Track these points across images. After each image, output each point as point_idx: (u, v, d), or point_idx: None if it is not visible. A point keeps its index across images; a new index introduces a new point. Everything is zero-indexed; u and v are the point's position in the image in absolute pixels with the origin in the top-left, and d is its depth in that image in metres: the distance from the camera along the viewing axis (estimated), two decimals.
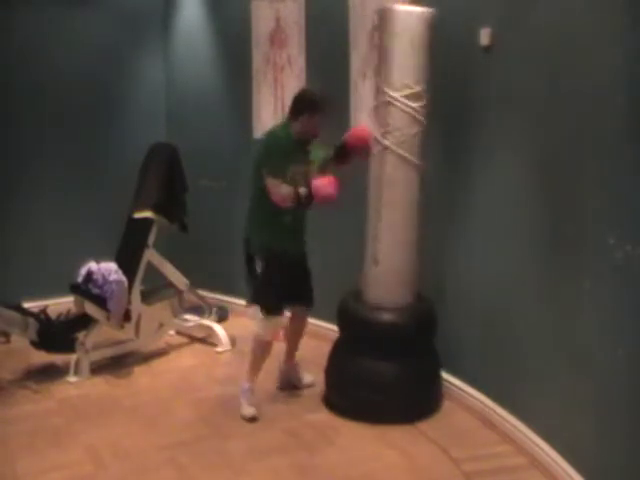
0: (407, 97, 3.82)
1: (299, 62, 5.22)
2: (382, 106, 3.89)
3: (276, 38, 5.37)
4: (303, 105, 3.85)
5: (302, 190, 3.74)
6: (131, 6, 6.03)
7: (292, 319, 4.33)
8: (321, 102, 3.87)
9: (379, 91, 3.91)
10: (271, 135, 3.95)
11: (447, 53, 4.05)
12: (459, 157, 4.10)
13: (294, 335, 4.37)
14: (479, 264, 3.98)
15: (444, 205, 4.22)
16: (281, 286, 3.94)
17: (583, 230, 3.11)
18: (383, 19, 3.88)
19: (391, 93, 3.83)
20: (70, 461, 3.59)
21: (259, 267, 3.95)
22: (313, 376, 4.39)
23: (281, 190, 3.76)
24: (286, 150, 3.84)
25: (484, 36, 3.76)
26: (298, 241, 4.07)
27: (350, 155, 3.95)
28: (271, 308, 3.96)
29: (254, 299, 4.02)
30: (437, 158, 4.22)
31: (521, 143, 3.60)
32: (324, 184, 3.74)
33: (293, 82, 5.26)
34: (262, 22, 5.43)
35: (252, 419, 3.99)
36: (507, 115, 3.70)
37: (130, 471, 3.51)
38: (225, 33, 5.76)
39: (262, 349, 4.04)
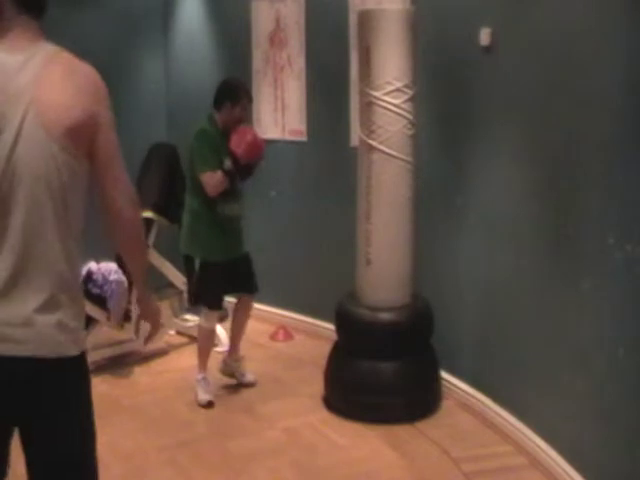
0: (388, 94, 3.81)
1: (299, 62, 5.22)
2: (365, 107, 3.89)
3: (276, 38, 5.37)
4: (223, 95, 4.03)
5: (226, 163, 3.92)
6: (131, 6, 6.02)
7: (237, 307, 4.39)
8: (240, 91, 4.04)
9: (361, 93, 3.92)
10: (199, 133, 4.06)
11: (447, 53, 4.06)
12: (459, 157, 4.10)
13: (238, 322, 4.40)
14: (479, 264, 3.97)
15: (444, 204, 4.22)
16: (219, 285, 4.11)
17: (583, 230, 3.11)
18: (360, 21, 3.90)
19: (372, 92, 3.83)
20: None
21: (197, 265, 4.08)
22: (255, 376, 4.43)
23: (213, 179, 3.91)
24: (215, 142, 3.99)
25: (484, 36, 3.76)
26: (235, 247, 4.19)
27: (248, 165, 4.04)
28: (212, 304, 4.14)
29: (195, 300, 4.21)
30: (437, 158, 4.23)
31: (521, 143, 3.60)
32: (239, 136, 3.92)
33: (293, 82, 5.27)
34: (262, 22, 5.43)
35: (209, 404, 4.12)
36: (507, 115, 3.70)
37: (130, 471, 3.51)
38: (225, 33, 5.76)
39: (207, 338, 4.25)
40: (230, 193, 4.02)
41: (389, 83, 3.80)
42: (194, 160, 3.99)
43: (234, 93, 4.02)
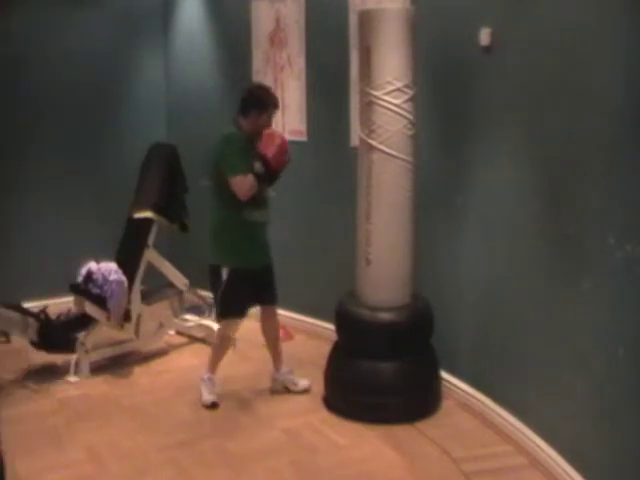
0: (388, 94, 3.81)
1: (299, 62, 5.22)
2: (365, 106, 3.89)
3: (276, 38, 5.37)
4: (252, 103, 3.99)
5: (256, 166, 3.88)
6: (131, 6, 6.02)
7: (262, 318, 4.36)
8: (269, 99, 4.02)
9: (362, 92, 3.92)
10: (227, 137, 4.03)
11: (447, 53, 4.06)
12: (459, 157, 4.10)
13: (270, 334, 4.37)
14: (479, 264, 3.97)
15: (444, 204, 4.22)
16: (245, 295, 4.08)
17: (583, 230, 3.11)
18: (360, 20, 3.90)
19: (372, 92, 3.83)
20: (70, 461, 3.59)
21: (224, 275, 4.04)
22: (309, 380, 4.36)
23: (244, 182, 3.87)
24: (242, 147, 3.96)
25: (484, 36, 3.76)
26: (262, 255, 4.16)
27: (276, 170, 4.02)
28: (238, 313, 4.11)
29: (222, 310, 4.14)
30: (437, 158, 4.23)
31: (521, 143, 3.60)
32: (268, 141, 3.91)
33: (293, 82, 5.27)
34: (262, 22, 5.43)
35: (213, 405, 4.11)
36: (507, 115, 3.70)
37: (130, 471, 3.52)
38: (225, 33, 5.76)
39: (224, 343, 4.23)
40: (257, 198, 3.97)
41: (389, 83, 3.80)
42: (223, 165, 3.93)
43: (262, 101, 3.99)
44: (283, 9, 5.27)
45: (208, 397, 4.14)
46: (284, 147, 3.97)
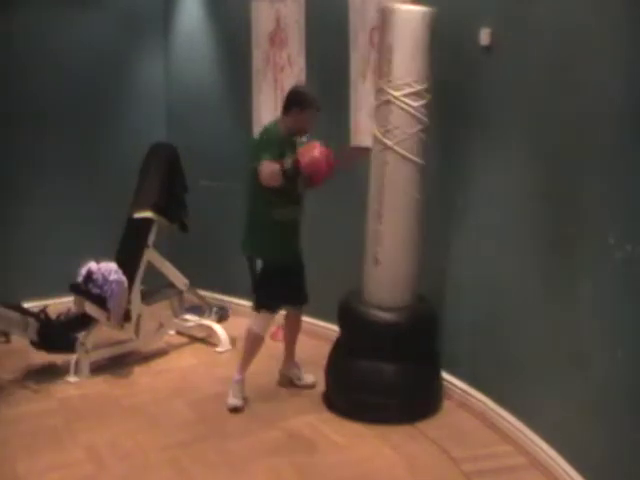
0: (407, 96, 3.82)
1: (299, 62, 5.22)
2: (383, 105, 3.89)
3: (276, 38, 5.37)
4: (293, 100, 4.01)
5: (287, 162, 3.81)
6: (131, 6, 6.02)
7: (287, 318, 4.41)
8: (310, 99, 4.02)
9: (380, 90, 3.91)
10: (263, 130, 4.11)
11: (447, 53, 4.06)
12: (459, 157, 4.10)
13: (291, 334, 4.43)
14: (479, 264, 3.97)
15: (444, 205, 4.22)
16: (278, 287, 4.08)
17: (583, 230, 3.11)
18: (385, 18, 3.87)
19: (392, 92, 3.83)
20: (70, 461, 3.59)
21: (259, 266, 4.10)
22: (314, 377, 4.39)
23: (269, 167, 3.81)
24: (276, 141, 3.96)
25: (484, 36, 3.76)
26: (294, 247, 4.21)
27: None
28: (267, 306, 4.11)
29: (255, 302, 4.15)
30: (437, 158, 4.22)
31: (521, 143, 3.60)
32: (308, 148, 3.83)
33: (293, 82, 5.26)
34: (262, 22, 5.42)
35: (235, 409, 4.08)
36: (507, 115, 3.70)
37: (130, 471, 3.52)
38: (225, 33, 5.76)
39: (254, 343, 4.17)
40: (285, 194, 3.94)
41: (409, 85, 3.80)
42: (253, 153, 3.94)
43: (302, 99, 4.00)
44: (283, 9, 5.27)
45: (233, 401, 4.10)
46: (320, 162, 3.79)
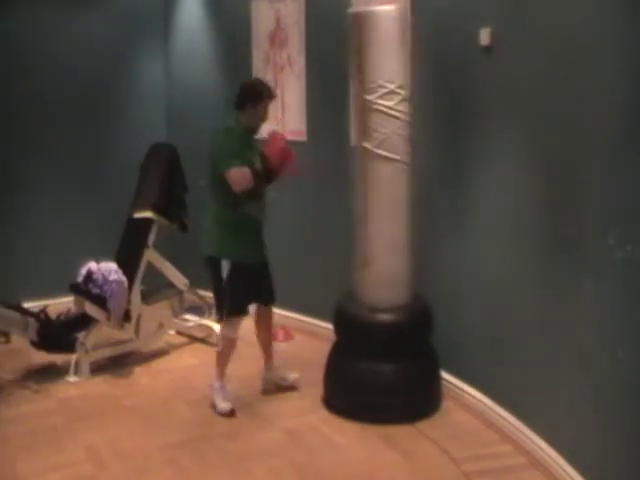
0: (381, 97, 3.81)
1: (299, 62, 5.22)
2: (359, 109, 3.89)
3: (276, 38, 5.37)
4: (245, 96, 4.01)
5: (256, 161, 3.88)
6: (131, 6, 6.02)
7: (258, 320, 4.35)
8: (260, 90, 4.04)
9: (355, 94, 3.92)
10: (225, 131, 4.08)
11: (447, 53, 4.06)
12: (459, 157, 4.10)
13: (264, 335, 4.38)
14: (479, 264, 3.97)
15: (444, 205, 4.22)
16: (246, 289, 4.05)
17: (583, 230, 3.11)
18: (355, 22, 3.88)
19: (365, 96, 3.83)
20: (70, 461, 3.59)
21: (224, 271, 4.02)
22: (296, 374, 4.38)
23: (240, 172, 3.86)
24: (240, 141, 3.98)
25: (484, 36, 3.76)
26: (262, 245, 4.17)
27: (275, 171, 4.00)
28: (236, 312, 4.07)
29: (222, 308, 4.10)
30: (436, 158, 4.22)
31: (521, 143, 3.60)
32: (272, 141, 3.91)
33: (293, 82, 5.27)
34: (262, 22, 5.42)
35: (231, 413, 4.05)
36: (507, 115, 3.70)
37: (130, 471, 3.52)
38: (225, 33, 5.76)
39: (229, 347, 4.14)
40: (254, 194, 3.96)
41: (382, 86, 3.80)
42: (218, 157, 3.96)
43: (256, 93, 4.01)
44: (283, 9, 5.27)
45: (223, 405, 4.07)
46: (289, 152, 3.95)
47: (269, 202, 4.18)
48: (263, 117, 4.04)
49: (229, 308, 4.05)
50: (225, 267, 4.00)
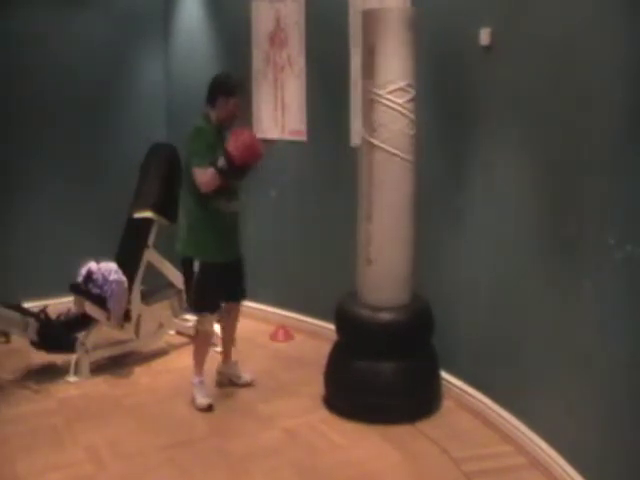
0: (391, 93, 3.81)
1: (299, 62, 5.22)
2: (368, 104, 3.89)
3: (276, 38, 5.37)
4: (217, 90, 4.01)
5: (220, 160, 3.86)
6: (131, 6, 6.03)
7: (226, 311, 4.35)
8: (233, 84, 4.02)
9: (365, 90, 3.92)
10: (195, 130, 4.04)
11: (447, 53, 4.06)
12: (459, 157, 4.10)
13: (228, 331, 4.42)
14: (479, 264, 3.97)
15: (444, 205, 4.22)
16: (215, 287, 4.06)
17: (583, 230, 3.11)
18: (366, 19, 3.90)
19: (375, 90, 3.83)
20: (70, 461, 3.59)
21: (196, 267, 4.04)
22: (252, 375, 4.42)
23: (204, 174, 3.87)
24: (211, 139, 3.96)
25: (484, 36, 3.76)
26: (232, 248, 4.17)
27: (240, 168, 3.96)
28: (207, 308, 4.10)
29: (195, 304, 4.15)
30: (437, 158, 4.22)
31: (521, 143, 3.60)
32: (235, 136, 3.88)
33: (293, 82, 5.27)
34: (262, 22, 5.43)
35: (209, 407, 4.08)
36: (507, 115, 3.70)
37: (130, 471, 3.52)
38: (225, 33, 5.76)
39: (205, 341, 4.18)
40: (224, 191, 3.96)
41: (392, 82, 3.80)
42: (189, 157, 3.98)
43: (226, 87, 4.00)
44: (283, 9, 5.27)
45: (202, 400, 4.11)
46: (252, 144, 3.92)
47: (242, 197, 4.18)
48: (235, 112, 4.03)
49: (200, 306, 4.11)
50: (196, 265, 4.03)
